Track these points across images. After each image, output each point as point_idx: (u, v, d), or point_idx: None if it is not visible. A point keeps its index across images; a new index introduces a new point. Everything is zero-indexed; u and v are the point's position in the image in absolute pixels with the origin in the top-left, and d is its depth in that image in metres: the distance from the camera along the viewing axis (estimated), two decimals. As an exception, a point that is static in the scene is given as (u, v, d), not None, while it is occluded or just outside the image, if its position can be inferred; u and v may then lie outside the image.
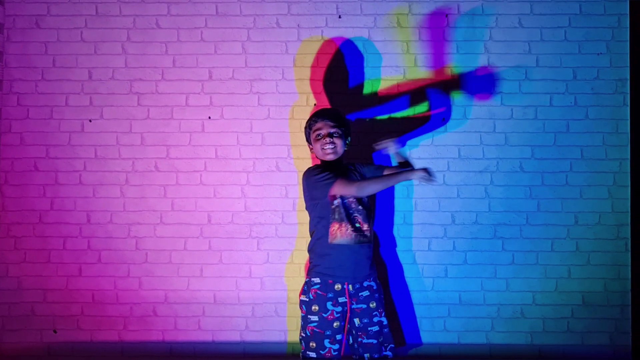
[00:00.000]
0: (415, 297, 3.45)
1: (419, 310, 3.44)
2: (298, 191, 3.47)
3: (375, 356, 2.87)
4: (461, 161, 3.48)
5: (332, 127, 2.93)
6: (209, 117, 3.50)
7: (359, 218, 2.88)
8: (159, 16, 3.51)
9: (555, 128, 3.47)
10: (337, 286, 2.86)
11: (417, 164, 3.42)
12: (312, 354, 2.85)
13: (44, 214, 3.48)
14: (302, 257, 3.44)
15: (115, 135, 3.50)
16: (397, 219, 3.46)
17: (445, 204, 3.47)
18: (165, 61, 3.51)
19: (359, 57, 3.48)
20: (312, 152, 3.08)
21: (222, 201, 3.48)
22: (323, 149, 2.92)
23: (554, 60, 3.49)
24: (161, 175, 3.49)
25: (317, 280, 2.88)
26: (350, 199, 2.88)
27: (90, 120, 3.50)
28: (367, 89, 3.48)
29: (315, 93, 3.48)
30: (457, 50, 3.48)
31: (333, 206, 2.88)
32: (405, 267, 3.45)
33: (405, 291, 3.45)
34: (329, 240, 2.87)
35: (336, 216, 2.87)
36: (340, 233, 2.86)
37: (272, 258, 3.46)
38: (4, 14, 3.51)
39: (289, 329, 3.44)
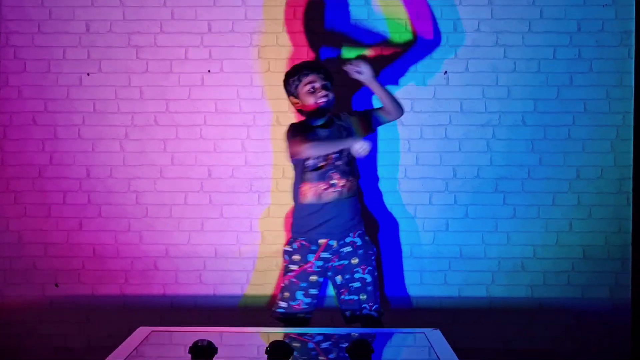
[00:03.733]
0: (416, 251, 3.45)
1: (419, 264, 3.45)
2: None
3: (357, 314, 2.85)
4: (463, 115, 3.44)
5: (324, 79, 2.90)
6: (209, 71, 3.45)
7: (336, 175, 2.84)
8: (157, -33, 3.45)
9: (559, 81, 3.43)
10: (321, 240, 2.85)
11: (419, 118, 3.42)
12: (283, 304, 2.85)
13: (43, 169, 3.46)
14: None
15: (113, 89, 3.46)
16: (399, 172, 3.45)
17: (446, 158, 3.44)
18: (163, 13, 3.45)
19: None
20: (295, 106, 2.98)
21: (222, 155, 3.46)
22: (317, 102, 2.88)
23: (558, 12, 3.43)
24: (161, 129, 3.46)
25: (303, 235, 2.88)
26: (330, 157, 2.84)
27: (88, 74, 3.46)
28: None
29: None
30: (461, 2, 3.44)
31: (305, 167, 2.85)
32: (406, 221, 3.45)
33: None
34: (301, 200, 2.86)
35: (307, 176, 2.85)
36: (311, 193, 2.83)
37: (273, 212, 3.45)
38: (-2, -36, 3.44)
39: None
